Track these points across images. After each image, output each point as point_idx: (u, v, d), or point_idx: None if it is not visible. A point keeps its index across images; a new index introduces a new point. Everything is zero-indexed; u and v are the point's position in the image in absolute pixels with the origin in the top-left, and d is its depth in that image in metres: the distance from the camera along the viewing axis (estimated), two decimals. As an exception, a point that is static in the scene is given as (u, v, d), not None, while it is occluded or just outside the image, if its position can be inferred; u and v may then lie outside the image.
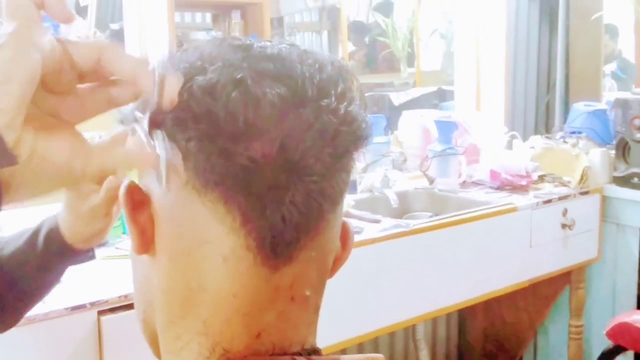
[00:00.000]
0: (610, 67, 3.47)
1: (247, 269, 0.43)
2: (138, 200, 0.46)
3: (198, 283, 0.44)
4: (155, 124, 0.43)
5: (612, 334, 1.47)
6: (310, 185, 0.42)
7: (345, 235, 0.50)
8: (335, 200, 0.45)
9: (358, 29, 3.94)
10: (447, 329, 2.64)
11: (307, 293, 0.46)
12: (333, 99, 0.43)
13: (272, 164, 0.41)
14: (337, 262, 0.50)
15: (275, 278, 0.44)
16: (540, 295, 2.36)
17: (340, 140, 0.43)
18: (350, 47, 3.98)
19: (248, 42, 0.45)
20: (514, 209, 1.94)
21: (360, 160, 2.44)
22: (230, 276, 0.43)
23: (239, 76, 0.41)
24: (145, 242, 0.46)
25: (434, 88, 3.19)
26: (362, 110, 0.46)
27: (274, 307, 0.44)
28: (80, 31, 3.54)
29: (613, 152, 2.21)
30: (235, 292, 0.44)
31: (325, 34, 3.64)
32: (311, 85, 0.43)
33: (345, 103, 0.44)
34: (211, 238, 0.43)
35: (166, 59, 0.45)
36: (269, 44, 0.45)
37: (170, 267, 0.45)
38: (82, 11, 3.04)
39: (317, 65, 0.44)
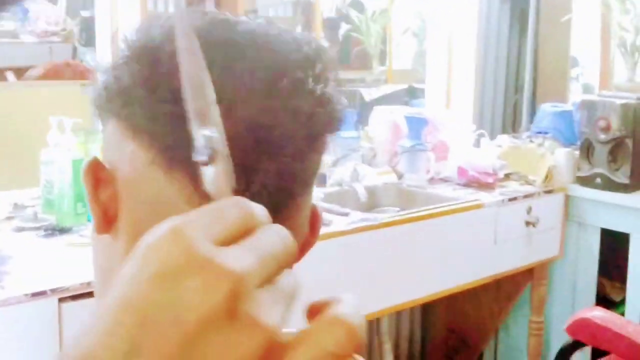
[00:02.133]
0: (576, 71, 3.55)
1: None
2: (101, 178, 0.45)
3: None
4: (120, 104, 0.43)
5: (571, 329, 1.50)
6: (282, 166, 0.42)
7: (314, 219, 0.50)
8: (306, 183, 0.45)
9: (332, 25, 3.95)
10: (411, 324, 2.66)
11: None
12: (310, 79, 0.42)
13: (242, 143, 0.40)
14: (305, 247, 0.49)
15: None
16: (503, 291, 2.40)
17: (314, 122, 0.43)
18: (324, 43, 3.98)
19: (225, 17, 0.44)
20: (479, 206, 1.97)
21: (330, 152, 2.44)
22: None
23: (212, 52, 0.41)
24: (108, 221, 0.45)
25: (405, 85, 3.21)
26: (338, 92, 0.45)
27: None
28: (51, 17, 3.47)
29: (578, 152, 2.25)
30: None
31: (298, 28, 3.64)
32: (287, 63, 0.42)
33: (321, 84, 0.43)
34: None
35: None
36: (244, 19, 0.44)
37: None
38: (52, -3, 2.99)
39: (294, 44, 0.43)
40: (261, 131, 0.41)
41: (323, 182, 2.11)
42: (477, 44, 2.63)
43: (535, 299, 2.32)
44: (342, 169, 2.15)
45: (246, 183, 0.41)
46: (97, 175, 0.45)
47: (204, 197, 0.41)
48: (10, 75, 3.10)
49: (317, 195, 1.88)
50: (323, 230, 1.76)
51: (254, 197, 0.41)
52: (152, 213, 0.43)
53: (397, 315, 2.58)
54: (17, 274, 1.27)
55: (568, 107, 2.44)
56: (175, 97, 0.40)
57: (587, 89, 3.44)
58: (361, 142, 2.47)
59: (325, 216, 1.74)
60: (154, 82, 0.42)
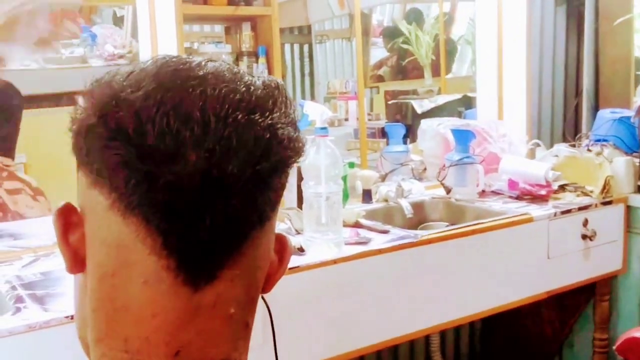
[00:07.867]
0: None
1: (167, 290, 0.44)
2: (72, 222, 0.47)
3: (122, 303, 0.45)
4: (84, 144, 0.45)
5: (621, 348, 1.43)
6: (233, 206, 0.43)
7: (283, 249, 0.51)
8: (261, 219, 0.46)
9: (391, 35, 3.92)
10: (470, 340, 2.59)
11: (232, 310, 0.47)
12: (262, 119, 0.43)
13: (194, 185, 0.42)
14: (273, 277, 0.50)
15: (197, 297, 0.44)
16: (565, 307, 2.30)
17: (266, 161, 0.44)
18: (384, 52, 3.96)
19: (182, 61, 0.45)
20: (529, 220, 1.90)
21: (379, 170, 2.43)
22: (151, 297, 0.44)
23: (166, 98, 0.42)
24: (78, 262, 0.47)
25: (459, 95, 3.15)
26: (294, 129, 0.46)
27: (195, 325, 0.45)
28: (117, 41, 3.64)
29: (638, 160, 2.13)
30: (154, 313, 0.44)
31: (354, 41, 3.63)
32: (237, 105, 0.43)
33: (274, 123, 0.44)
34: (134, 259, 0.44)
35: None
36: (199, 63, 0.45)
37: (98, 287, 0.47)
38: (118, 21, 3.13)
39: (248, 84, 0.44)
40: (212, 173, 0.42)
41: (368, 198, 2.10)
42: (528, 50, 2.54)
43: (598, 315, 2.21)
44: (388, 184, 2.14)
45: (198, 223, 0.42)
46: (68, 219, 0.47)
47: (157, 239, 0.43)
48: (80, 99, 3.28)
49: (358, 212, 1.87)
50: (362, 249, 1.72)
51: (206, 236, 0.43)
52: (114, 254, 0.45)
53: (456, 332, 2.53)
54: (64, 297, 1.33)
55: (629, 112, 2.31)
56: (127, 147, 0.42)
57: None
58: (411, 155, 2.44)
59: (365, 234, 1.74)
60: (107, 135, 0.44)
